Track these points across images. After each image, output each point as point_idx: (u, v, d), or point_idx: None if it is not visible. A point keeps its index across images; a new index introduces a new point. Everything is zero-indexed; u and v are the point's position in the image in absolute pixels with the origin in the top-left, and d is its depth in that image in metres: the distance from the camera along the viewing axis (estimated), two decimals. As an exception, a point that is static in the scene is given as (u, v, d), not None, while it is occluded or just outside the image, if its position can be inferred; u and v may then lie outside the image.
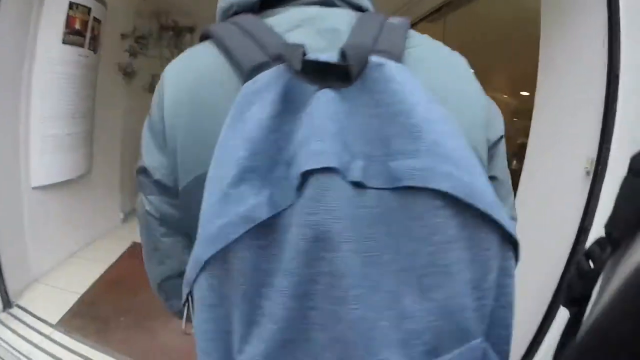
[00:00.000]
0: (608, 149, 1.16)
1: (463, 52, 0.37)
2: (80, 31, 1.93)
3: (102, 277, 1.98)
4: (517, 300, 0.27)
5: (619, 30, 1.17)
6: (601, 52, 1.20)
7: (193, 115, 0.30)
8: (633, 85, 1.14)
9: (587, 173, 1.20)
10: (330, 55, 0.27)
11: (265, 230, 0.23)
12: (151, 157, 0.32)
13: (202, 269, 0.23)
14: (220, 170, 0.24)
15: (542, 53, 1.54)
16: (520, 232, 0.27)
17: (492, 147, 0.36)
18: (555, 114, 1.45)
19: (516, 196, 1.50)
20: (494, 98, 0.38)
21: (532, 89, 1.64)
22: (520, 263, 0.27)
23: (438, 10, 1.82)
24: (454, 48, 0.38)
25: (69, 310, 1.68)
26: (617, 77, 1.15)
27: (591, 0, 1.27)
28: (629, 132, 1.15)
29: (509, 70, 3.15)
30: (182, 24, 2.97)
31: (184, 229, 0.33)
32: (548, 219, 1.35)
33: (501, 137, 0.37)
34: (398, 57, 0.29)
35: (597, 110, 1.21)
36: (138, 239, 0.37)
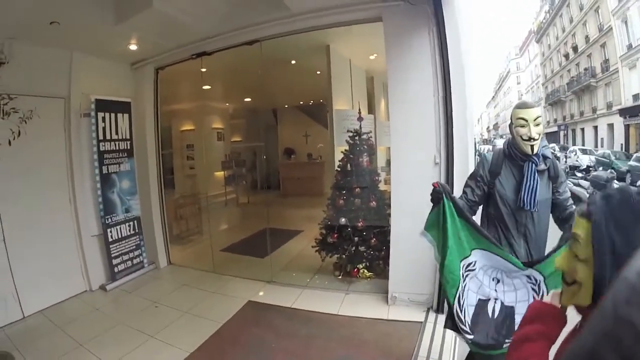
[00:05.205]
0: (452, 147, 1.69)
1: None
2: None
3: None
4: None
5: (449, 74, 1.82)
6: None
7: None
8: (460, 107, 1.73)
9: (436, 164, 1.77)
10: None
11: None
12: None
13: None
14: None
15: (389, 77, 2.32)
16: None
17: None
18: (407, 127, 2.02)
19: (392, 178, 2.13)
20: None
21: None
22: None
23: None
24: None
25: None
26: (450, 100, 1.74)
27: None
28: (460, 136, 1.70)
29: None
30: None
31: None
32: (415, 195, 1.76)
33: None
34: None
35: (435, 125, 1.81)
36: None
